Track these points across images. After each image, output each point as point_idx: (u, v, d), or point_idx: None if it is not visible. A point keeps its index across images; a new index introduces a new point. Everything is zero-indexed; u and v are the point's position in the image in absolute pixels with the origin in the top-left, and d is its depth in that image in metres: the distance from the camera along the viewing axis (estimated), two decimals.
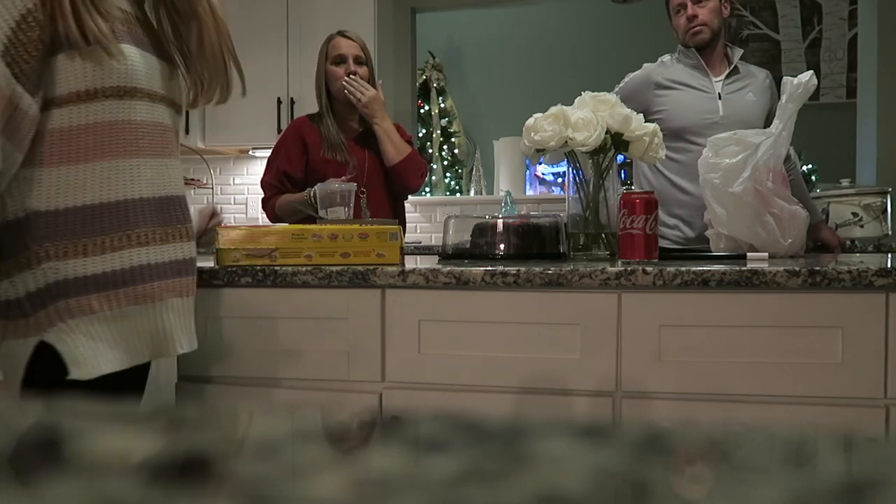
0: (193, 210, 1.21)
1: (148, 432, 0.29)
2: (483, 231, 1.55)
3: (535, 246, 1.54)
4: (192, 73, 1.11)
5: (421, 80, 5.14)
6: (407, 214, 2.71)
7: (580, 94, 1.60)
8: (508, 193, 3.74)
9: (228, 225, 1.60)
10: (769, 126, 2.18)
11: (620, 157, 1.66)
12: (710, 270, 1.21)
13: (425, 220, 3.95)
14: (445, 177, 5.23)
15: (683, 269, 1.22)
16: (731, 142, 1.64)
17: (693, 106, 2.23)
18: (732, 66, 2.27)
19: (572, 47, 5.41)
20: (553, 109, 1.56)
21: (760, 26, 5.12)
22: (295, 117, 3.09)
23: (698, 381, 1.22)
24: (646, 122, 1.58)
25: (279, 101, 3.54)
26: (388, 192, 2.28)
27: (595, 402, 1.26)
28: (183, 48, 1.11)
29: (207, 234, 1.29)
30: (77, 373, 0.95)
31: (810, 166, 3.87)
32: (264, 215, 2.29)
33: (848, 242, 2.69)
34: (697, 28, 2.22)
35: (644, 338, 1.23)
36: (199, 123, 3.64)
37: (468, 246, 1.55)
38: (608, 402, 1.25)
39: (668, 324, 1.23)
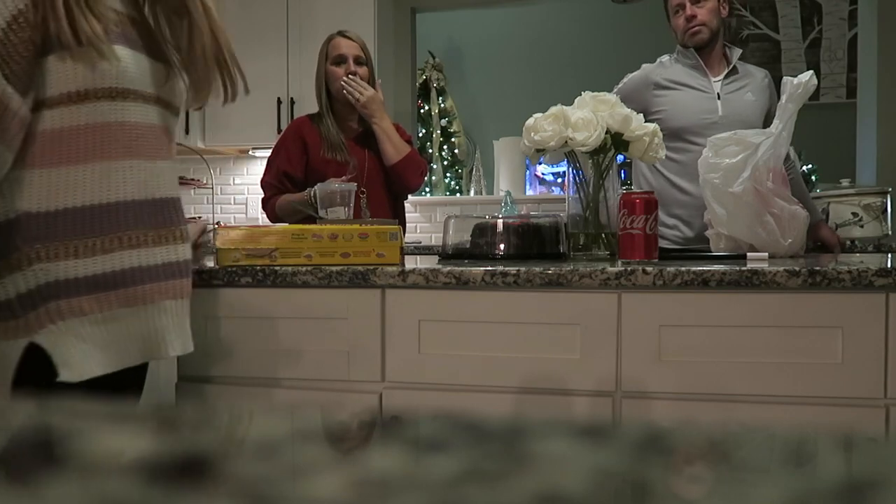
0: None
1: (147, 432, 0.29)
2: (483, 231, 1.55)
3: (535, 246, 1.54)
4: (190, 74, 1.11)
5: (421, 80, 5.13)
6: (407, 214, 2.71)
7: (580, 94, 1.60)
8: (508, 193, 3.74)
9: (228, 225, 1.61)
10: (768, 126, 2.19)
11: (620, 157, 1.66)
12: (710, 270, 1.21)
13: (425, 220, 3.95)
14: (445, 177, 5.23)
15: (683, 269, 1.22)
16: (731, 142, 1.64)
17: (692, 106, 2.23)
18: (731, 66, 2.27)
19: (572, 47, 5.40)
20: (553, 109, 1.56)
21: (760, 26, 5.11)
22: (295, 117, 3.09)
23: (698, 381, 1.22)
24: (645, 122, 1.58)
25: (279, 101, 3.54)
26: (388, 192, 2.28)
27: (595, 402, 1.26)
28: (179, 48, 1.10)
29: (196, 249, 1.27)
30: (67, 375, 0.95)
31: (810, 166, 3.87)
32: (264, 215, 2.29)
33: (848, 242, 2.69)
34: (696, 28, 2.23)
35: (644, 338, 1.23)
36: (199, 123, 3.64)
37: (468, 246, 1.55)
38: (608, 402, 1.25)
39: (668, 324, 1.23)
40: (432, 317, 1.31)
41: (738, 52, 2.31)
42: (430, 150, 5.17)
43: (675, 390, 1.23)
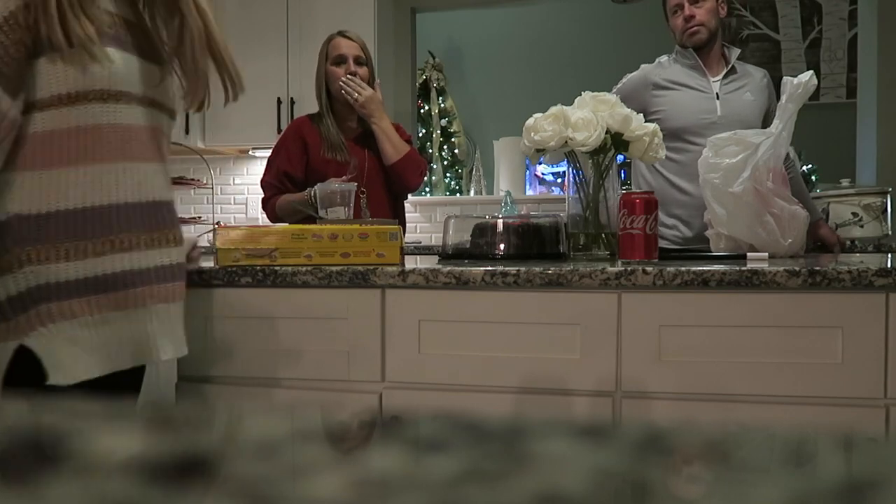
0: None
1: (147, 432, 0.29)
2: (483, 231, 1.55)
3: (535, 246, 1.54)
4: (184, 75, 1.10)
5: (421, 80, 5.13)
6: (407, 214, 2.71)
7: (580, 94, 1.60)
8: (508, 193, 3.73)
9: (228, 225, 1.60)
10: (767, 125, 2.19)
11: (620, 157, 1.66)
12: (710, 270, 1.21)
13: (425, 220, 3.95)
14: (445, 177, 5.23)
15: (683, 269, 1.22)
16: (731, 142, 1.64)
17: (691, 106, 2.23)
18: (730, 66, 2.28)
19: (572, 47, 5.40)
20: (553, 109, 1.56)
21: (760, 26, 5.11)
22: (295, 117, 3.09)
23: (698, 381, 1.22)
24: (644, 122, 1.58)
25: (279, 101, 3.54)
26: (388, 192, 2.28)
27: (595, 402, 1.26)
28: (172, 49, 1.09)
29: (189, 263, 1.26)
30: (56, 378, 0.94)
31: (810, 166, 3.87)
32: (264, 215, 2.29)
33: (848, 242, 2.69)
34: (695, 28, 2.23)
35: (644, 338, 1.23)
36: (199, 123, 3.64)
37: (468, 246, 1.55)
38: (608, 402, 1.25)
39: (668, 324, 1.23)
40: (432, 317, 1.31)
41: (736, 51, 2.31)
42: (430, 150, 5.17)
43: (675, 390, 1.23)
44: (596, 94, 1.59)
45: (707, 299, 1.22)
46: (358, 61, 2.24)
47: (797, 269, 1.19)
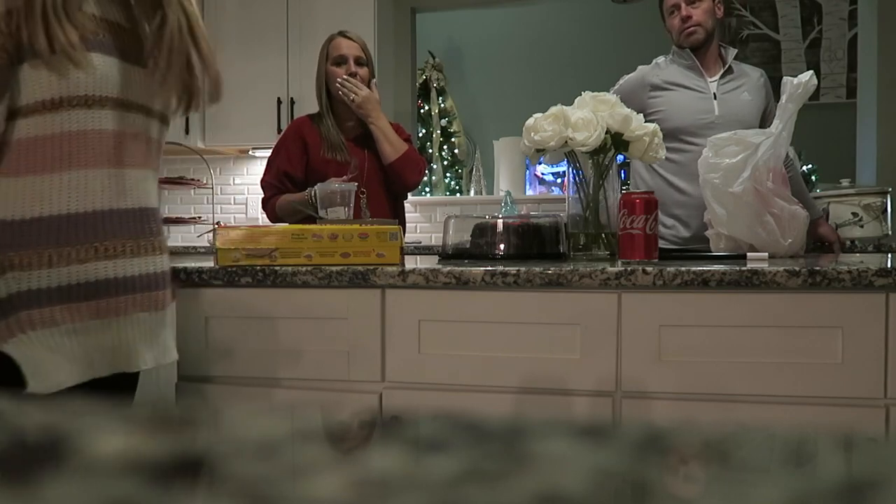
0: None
1: (147, 432, 0.29)
2: (483, 231, 1.55)
3: (535, 246, 1.54)
4: (165, 76, 1.07)
5: (421, 80, 5.13)
6: (407, 214, 2.71)
7: (580, 94, 1.60)
8: (508, 193, 3.73)
9: (228, 225, 1.60)
10: (765, 125, 2.19)
11: (620, 157, 1.66)
12: (710, 270, 1.21)
13: (425, 220, 3.95)
14: (445, 177, 5.23)
15: (683, 269, 1.22)
16: (731, 142, 1.64)
17: (689, 106, 2.23)
18: (727, 66, 2.28)
19: (572, 47, 5.40)
20: (553, 109, 1.56)
21: (760, 26, 5.11)
22: (295, 117, 3.09)
23: (698, 381, 1.22)
24: None
25: (279, 101, 3.54)
26: (388, 192, 2.28)
27: (595, 402, 1.26)
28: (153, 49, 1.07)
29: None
30: (35, 386, 0.94)
31: (810, 166, 3.87)
32: (264, 215, 2.29)
33: (848, 242, 2.70)
34: (691, 29, 2.24)
35: (644, 338, 1.23)
36: (199, 123, 3.64)
37: (468, 246, 1.55)
38: (608, 402, 1.25)
39: (668, 324, 1.23)
40: (432, 317, 1.31)
41: (733, 51, 2.32)
42: (430, 150, 5.17)
43: (675, 390, 1.23)
44: (596, 94, 1.59)
45: (707, 299, 1.22)
46: (358, 62, 2.24)
47: (797, 269, 1.19)
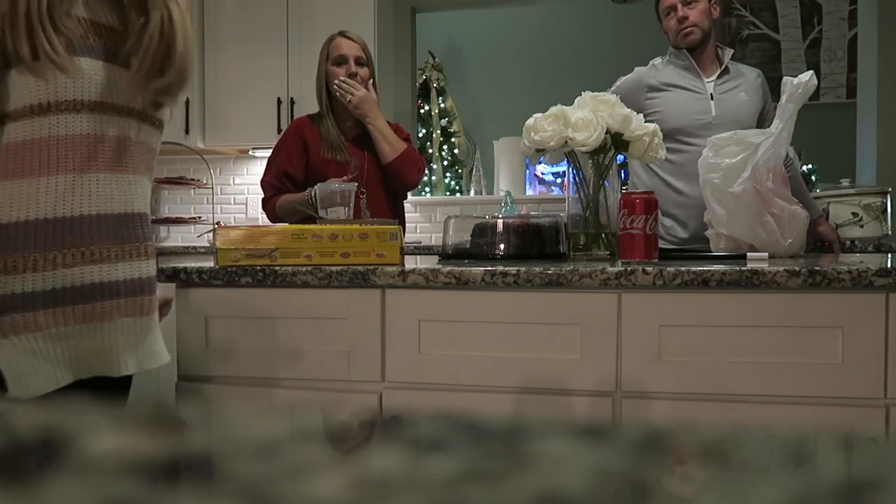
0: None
1: (146, 432, 0.29)
2: (483, 231, 1.55)
3: (535, 246, 1.54)
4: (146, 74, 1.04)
5: (421, 80, 5.13)
6: (407, 214, 2.71)
7: (580, 94, 1.60)
8: (508, 193, 3.73)
9: (228, 225, 1.60)
10: (762, 125, 2.19)
11: (620, 157, 1.66)
12: (710, 270, 1.21)
13: (425, 220, 3.95)
14: (445, 177, 5.23)
15: (683, 269, 1.22)
16: (731, 142, 1.64)
17: (686, 107, 2.24)
18: (723, 67, 2.29)
19: (572, 47, 5.40)
20: (553, 109, 1.56)
21: (760, 26, 5.12)
22: (295, 117, 3.09)
23: (698, 381, 1.22)
24: None
25: (279, 101, 3.54)
26: (388, 192, 2.28)
27: (595, 402, 1.26)
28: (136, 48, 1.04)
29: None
30: (17, 391, 0.93)
31: (810, 166, 3.87)
32: (264, 215, 2.29)
33: (848, 242, 2.70)
34: (688, 29, 2.24)
35: (644, 338, 1.23)
36: (199, 123, 3.64)
37: (468, 246, 1.55)
38: (608, 402, 1.25)
39: (668, 324, 1.23)
40: (432, 317, 1.31)
41: (729, 52, 2.32)
42: (430, 150, 5.17)
43: (675, 390, 1.23)
44: (596, 94, 1.59)
45: (707, 299, 1.22)
46: (359, 62, 2.24)
47: (797, 269, 1.19)
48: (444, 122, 5.29)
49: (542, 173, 4.44)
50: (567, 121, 1.52)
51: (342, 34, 2.28)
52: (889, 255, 2.32)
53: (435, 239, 3.74)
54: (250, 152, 3.88)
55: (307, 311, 1.36)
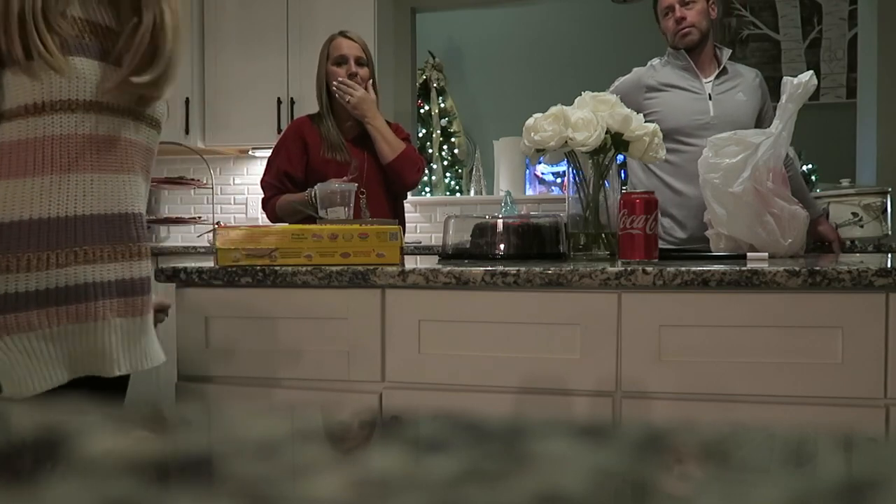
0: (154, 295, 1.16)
1: (146, 432, 0.29)
2: (483, 231, 1.55)
3: (535, 246, 1.54)
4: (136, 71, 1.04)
5: (421, 80, 5.13)
6: (407, 214, 2.71)
7: (580, 94, 1.60)
8: (508, 193, 3.73)
9: (228, 225, 1.60)
10: (760, 125, 2.20)
11: (620, 157, 1.66)
12: (710, 270, 1.21)
13: (425, 220, 3.95)
14: (445, 177, 5.23)
15: (683, 269, 1.22)
16: (731, 142, 1.64)
17: (684, 107, 2.24)
18: (721, 67, 2.29)
19: (572, 47, 5.40)
20: (553, 109, 1.56)
21: (760, 26, 5.12)
22: (295, 117, 3.09)
23: (698, 381, 1.22)
24: None
25: (279, 101, 3.54)
26: (388, 192, 2.28)
27: (595, 402, 1.26)
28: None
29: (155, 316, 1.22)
30: (10, 390, 0.93)
31: (810, 166, 3.86)
32: (264, 215, 2.29)
33: (848, 242, 2.70)
34: (686, 30, 2.25)
35: (644, 338, 1.23)
36: (199, 123, 3.64)
37: (468, 246, 1.55)
38: (608, 402, 1.25)
39: (668, 324, 1.23)
40: (432, 317, 1.31)
41: (727, 52, 2.33)
42: (430, 150, 5.17)
43: (675, 390, 1.23)
44: (596, 94, 1.59)
45: (707, 299, 1.22)
46: (359, 62, 2.24)
47: (797, 269, 1.19)
48: (444, 122, 5.29)
49: (542, 173, 4.44)
50: (567, 121, 1.52)
51: (342, 34, 2.28)
52: (889, 255, 2.32)
53: (435, 239, 3.74)
54: (250, 152, 3.88)
55: (307, 311, 1.36)
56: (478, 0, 4.59)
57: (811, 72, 1.61)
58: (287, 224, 1.67)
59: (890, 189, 2.82)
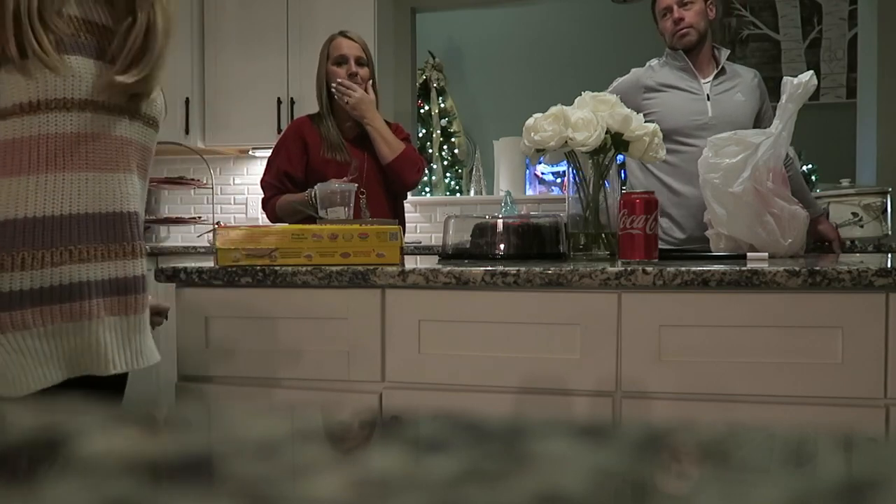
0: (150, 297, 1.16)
1: (146, 432, 0.29)
2: (483, 231, 1.55)
3: (535, 246, 1.54)
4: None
5: (421, 80, 5.13)
6: (407, 214, 2.71)
7: (580, 94, 1.60)
8: (508, 193, 3.73)
9: (228, 225, 1.60)
10: (759, 126, 2.20)
11: (620, 157, 1.66)
12: (710, 270, 1.21)
13: (425, 220, 3.95)
14: (445, 177, 5.23)
15: (683, 269, 1.22)
16: (731, 142, 1.64)
17: (682, 108, 2.24)
18: (720, 67, 2.29)
19: (572, 47, 5.40)
20: (553, 109, 1.56)
21: (760, 26, 5.12)
22: (295, 117, 3.09)
23: (698, 381, 1.22)
24: None
25: (279, 101, 3.54)
26: (388, 192, 2.28)
27: (595, 402, 1.26)
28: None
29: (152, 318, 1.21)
30: (6, 390, 0.93)
31: (810, 166, 3.86)
32: (264, 215, 2.29)
33: (848, 242, 2.70)
34: (684, 30, 2.25)
35: (644, 338, 1.23)
36: (199, 123, 3.64)
37: (468, 246, 1.55)
38: (608, 402, 1.25)
39: (668, 324, 1.23)
40: (432, 317, 1.31)
41: (726, 52, 2.33)
42: (430, 150, 5.17)
43: (675, 390, 1.23)
44: (596, 94, 1.59)
45: (707, 299, 1.22)
46: (359, 62, 2.24)
47: (797, 269, 1.19)
48: (444, 122, 5.29)
49: (542, 173, 4.44)
50: (567, 121, 1.52)
51: (342, 34, 2.28)
52: (889, 255, 2.32)
53: (435, 239, 3.74)
54: (250, 152, 3.88)
55: (307, 311, 1.36)
56: (478, 0, 4.59)
57: (811, 72, 1.61)
58: (287, 224, 1.67)
59: (890, 189, 2.82)
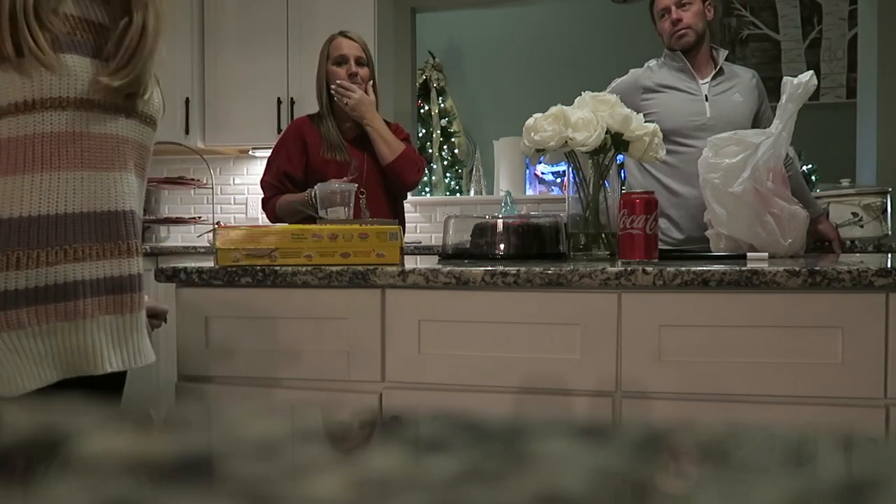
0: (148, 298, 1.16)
1: (147, 432, 0.29)
2: (483, 231, 1.55)
3: (535, 246, 1.54)
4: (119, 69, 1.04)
5: (421, 80, 5.13)
6: (407, 214, 2.71)
7: (580, 94, 1.60)
8: (508, 193, 3.73)
9: (228, 225, 1.60)
10: (757, 126, 2.20)
11: (620, 157, 1.66)
12: (710, 270, 1.21)
13: (425, 220, 3.95)
14: (445, 177, 5.23)
15: (683, 269, 1.22)
16: (730, 142, 1.64)
17: (680, 108, 2.24)
18: (718, 68, 2.29)
19: (572, 47, 5.40)
20: (553, 109, 1.56)
21: (760, 26, 5.11)
22: (295, 117, 3.09)
23: (698, 381, 1.22)
24: None
25: (279, 101, 3.54)
26: (388, 192, 2.28)
27: (595, 402, 1.26)
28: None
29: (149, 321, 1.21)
30: (1, 390, 0.93)
31: (810, 166, 3.86)
32: (264, 215, 2.29)
33: (848, 242, 2.70)
34: (682, 31, 2.25)
35: (644, 338, 1.23)
36: (199, 123, 3.64)
37: (468, 246, 1.55)
38: (608, 402, 1.25)
39: (668, 324, 1.23)
40: (432, 317, 1.31)
41: (724, 53, 2.33)
42: (430, 150, 5.17)
43: (675, 390, 1.23)
44: (596, 94, 1.59)
45: (707, 299, 1.22)
46: (359, 62, 2.24)
47: (797, 269, 1.19)
48: (444, 122, 5.29)
49: (542, 173, 4.44)
50: (567, 121, 1.52)
51: (342, 34, 2.28)
52: (889, 255, 2.32)
53: (435, 239, 3.74)
54: (250, 152, 3.88)
55: (307, 311, 1.36)
56: (478, 0, 4.59)
57: (811, 72, 1.61)
58: (287, 224, 1.67)
59: (890, 189, 2.82)
